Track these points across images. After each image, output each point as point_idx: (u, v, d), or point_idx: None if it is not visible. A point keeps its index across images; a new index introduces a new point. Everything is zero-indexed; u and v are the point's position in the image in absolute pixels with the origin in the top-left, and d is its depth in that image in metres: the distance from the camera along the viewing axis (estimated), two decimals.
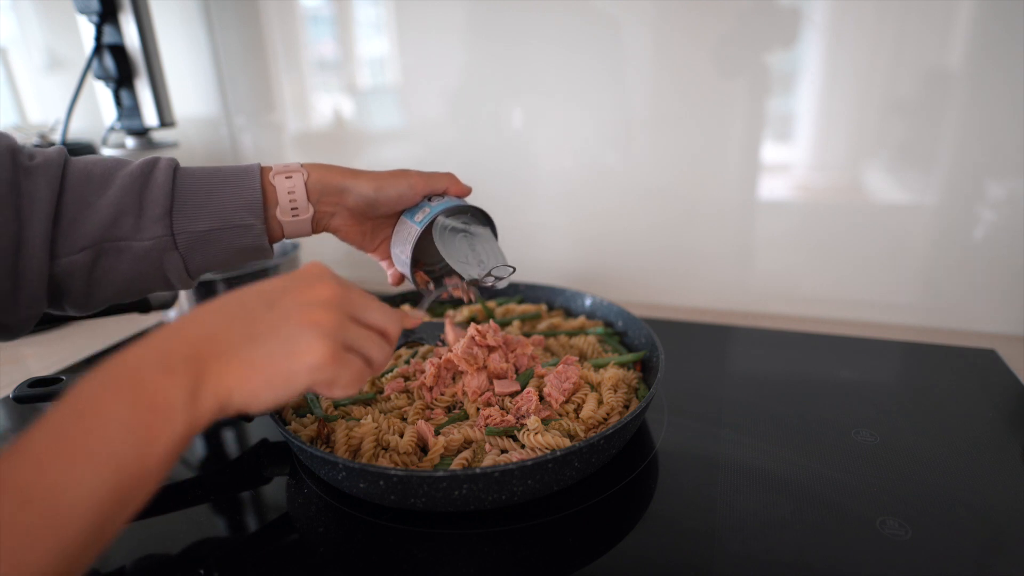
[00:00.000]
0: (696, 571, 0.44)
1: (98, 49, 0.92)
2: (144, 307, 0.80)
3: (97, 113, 1.04)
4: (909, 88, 0.76)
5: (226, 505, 0.54)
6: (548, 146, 0.95)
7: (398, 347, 0.67)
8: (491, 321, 0.62)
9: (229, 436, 0.64)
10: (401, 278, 0.59)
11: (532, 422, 0.52)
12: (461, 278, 0.55)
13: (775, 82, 0.82)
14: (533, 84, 0.92)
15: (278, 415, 0.57)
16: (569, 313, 0.79)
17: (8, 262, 0.42)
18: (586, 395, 0.57)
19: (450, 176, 0.56)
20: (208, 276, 0.82)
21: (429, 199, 0.55)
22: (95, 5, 0.89)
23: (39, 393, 0.55)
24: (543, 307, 0.78)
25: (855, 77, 0.78)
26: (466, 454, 0.50)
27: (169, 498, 0.54)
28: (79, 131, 1.21)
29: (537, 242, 1.01)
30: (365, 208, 0.52)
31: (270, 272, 0.88)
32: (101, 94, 0.97)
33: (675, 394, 0.67)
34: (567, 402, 0.57)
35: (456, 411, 0.57)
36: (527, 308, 0.77)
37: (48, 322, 0.48)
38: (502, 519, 0.49)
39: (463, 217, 0.56)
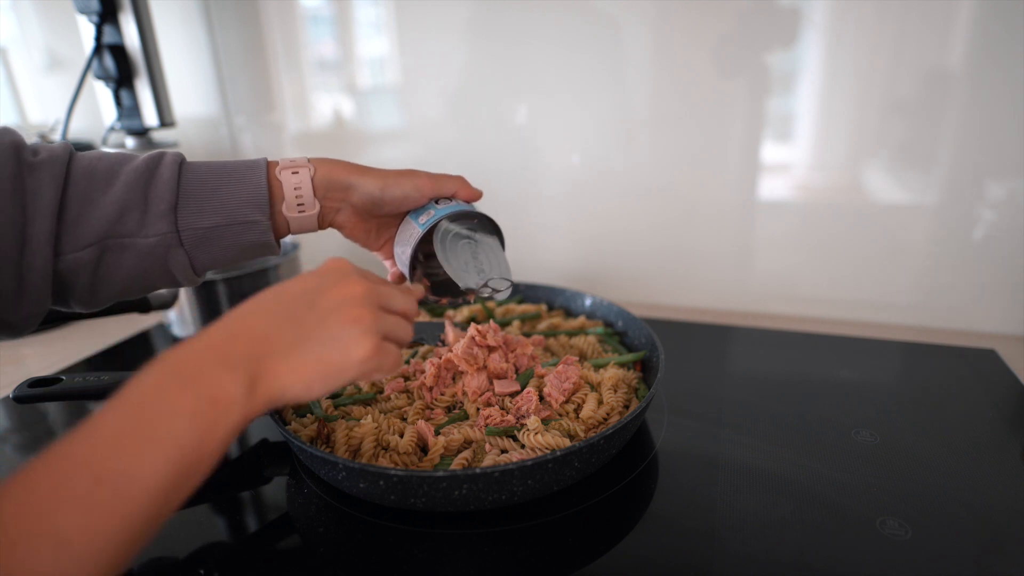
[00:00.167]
0: (696, 571, 0.44)
1: (98, 49, 0.92)
2: (144, 307, 0.80)
3: (97, 113, 1.04)
4: (909, 88, 0.76)
5: (226, 505, 0.54)
6: (548, 146, 0.95)
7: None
8: (491, 321, 0.62)
9: None
10: (401, 277, 0.58)
11: (532, 422, 0.52)
12: (459, 288, 0.54)
13: (775, 82, 0.82)
14: (533, 84, 0.92)
15: (278, 415, 0.57)
16: (569, 313, 0.79)
17: (12, 259, 0.42)
18: (586, 395, 0.57)
19: (460, 179, 0.55)
20: (208, 277, 0.82)
21: (436, 201, 0.54)
22: (95, 5, 0.89)
23: (39, 393, 0.55)
24: (543, 307, 0.78)
25: (855, 77, 0.78)
26: (466, 454, 0.50)
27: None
28: (79, 131, 1.22)
29: (537, 242, 1.01)
30: (370, 207, 0.52)
31: (270, 272, 0.88)
32: (101, 94, 0.97)
33: (675, 394, 0.67)
34: (567, 402, 0.57)
35: (456, 411, 0.57)
36: (527, 308, 0.77)
37: (50, 321, 0.48)
38: (502, 519, 0.49)
39: (469, 223, 0.55)
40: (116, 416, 0.29)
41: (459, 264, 0.53)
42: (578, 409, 0.57)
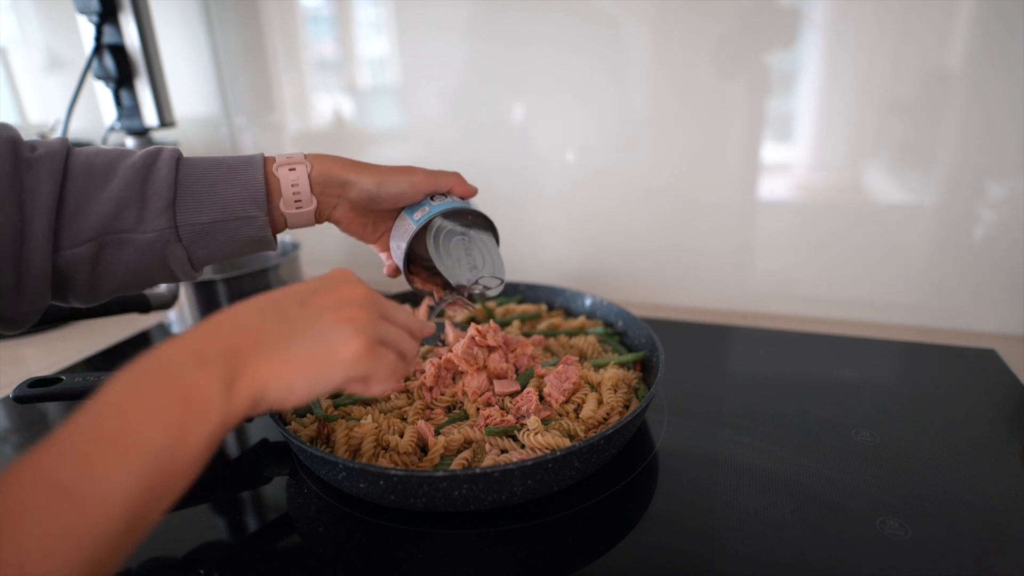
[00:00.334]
0: (696, 571, 0.44)
1: (98, 49, 0.92)
2: (144, 307, 0.80)
3: (97, 113, 1.04)
4: (909, 88, 0.76)
5: (226, 505, 0.54)
6: (548, 146, 0.95)
7: None
8: (491, 321, 0.62)
9: (229, 436, 0.64)
10: (397, 270, 0.58)
11: (532, 422, 0.52)
12: (450, 284, 0.54)
13: (775, 82, 0.82)
14: (533, 84, 0.92)
15: (278, 415, 0.57)
16: (569, 313, 0.79)
17: (11, 255, 0.42)
18: (586, 395, 0.57)
19: (456, 176, 0.55)
20: (208, 276, 0.82)
21: (432, 198, 0.54)
22: (95, 5, 0.89)
23: (39, 393, 0.55)
24: (543, 307, 0.78)
25: (855, 77, 0.78)
26: (466, 454, 0.50)
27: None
28: (79, 131, 1.22)
29: (537, 242, 1.01)
30: (367, 203, 0.52)
31: (270, 272, 0.88)
32: (101, 94, 0.97)
33: (675, 394, 0.67)
34: (567, 402, 0.57)
35: (456, 411, 0.57)
36: (527, 308, 0.77)
37: (49, 320, 0.48)
38: (502, 519, 0.49)
39: (463, 220, 0.55)
40: (82, 423, 0.27)
41: (451, 261, 0.53)
42: (578, 409, 0.57)
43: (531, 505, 0.50)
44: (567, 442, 0.50)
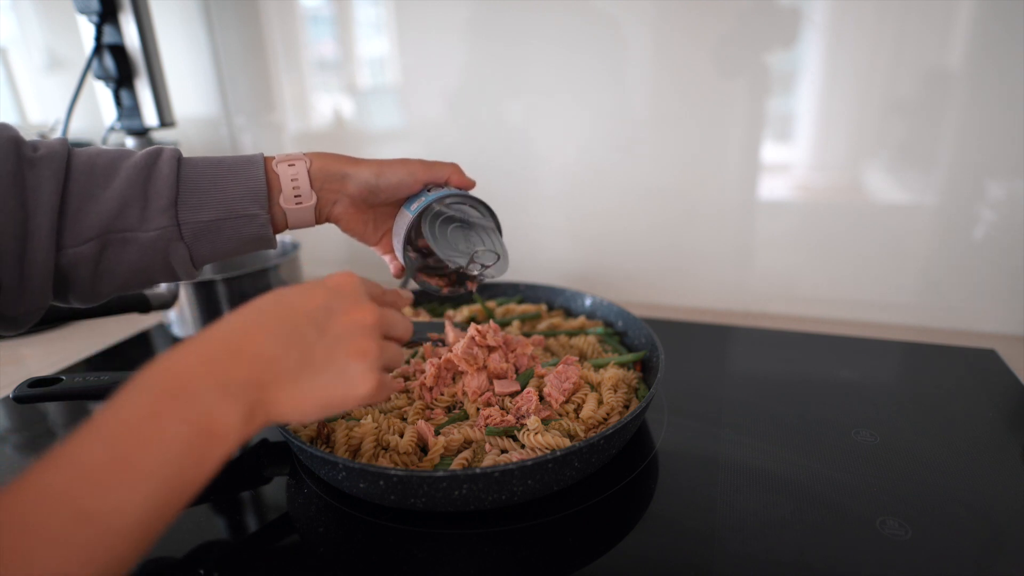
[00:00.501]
0: (696, 571, 0.44)
1: (98, 49, 0.92)
2: (144, 307, 0.80)
3: (97, 113, 1.04)
4: (909, 88, 0.76)
5: (226, 505, 0.54)
6: (548, 146, 0.95)
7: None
8: (491, 321, 0.62)
9: None
10: (402, 270, 0.58)
11: (532, 422, 0.52)
12: (448, 267, 0.54)
13: (775, 82, 0.82)
14: (533, 84, 0.92)
15: None
16: (569, 313, 0.79)
17: (14, 254, 0.42)
18: (586, 395, 0.57)
19: (453, 166, 0.55)
20: (208, 276, 0.82)
21: (428, 189, 0.54)
22: (95, 5, 0.89)
23: (39, 393, 0.55)
24: (543, 307, 0.78)
25: (855, 77, 0.78)
26: (466, 454, 0.50)
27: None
28: (79, 131, 1.22)
29: (537, 242, 1.01)
30: (366, 195, 0.52)
31: (270, 272, 0.88)
32: (101, 94, 0.97)
33: (675, 394, 0.67)
34: (567, 402, 0.57)
35: (456, 411, 0.57)
36: (527, 308, 0.77)
37: (49, 320, 0.48)
38: (502, 519, 0.49)
39: (461, 208, 0.55)
40: (100, 444, 0.26)
41: (448, 246, 0.53)
42: (578, 409, 0.57)
43: (531, 505, 0.50)
44: (567, 442, 0.50)
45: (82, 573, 0.24)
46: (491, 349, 0.59)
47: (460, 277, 0.56)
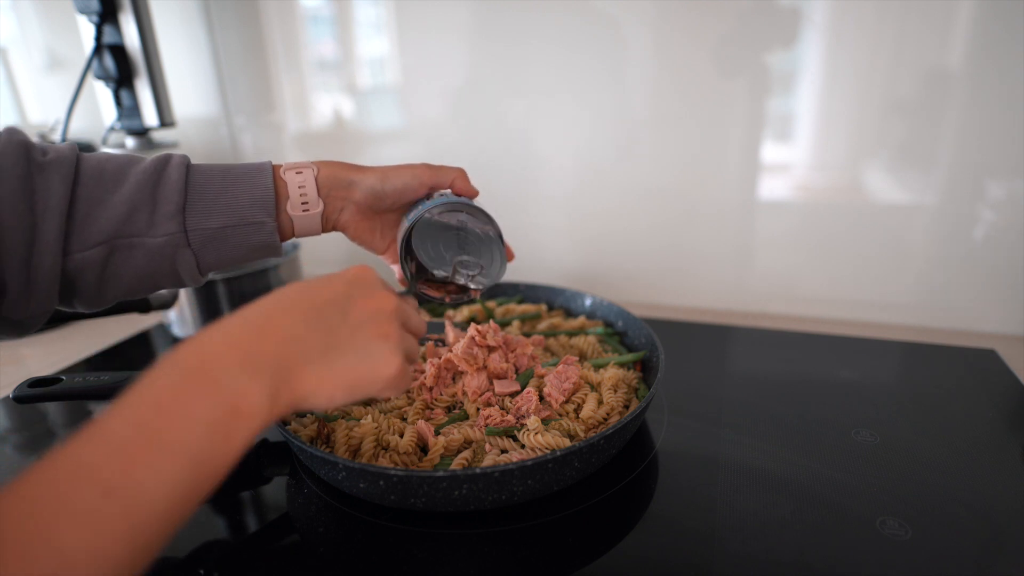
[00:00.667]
0: (696, 571, 0.44)
1: (98, 49, 0.92)
2: (144, 307, 0.80)
3: (97, 113, 1.04)
4: (909, 88, 0.76)
5: (226, 505, 0.54)
6: (548, 146, 0.95)
7: None
8: (491, 321, 0.62)
9: None
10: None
11: (532, 422, 0.52)
12: (434, 275, 0.54)
13: (775, 82, 0.82)
14: (533, 84, 0.92)
15: None
16: (569, 313, 0.79)
17: (21, 258, 0.42)
18: (586, 395, 0.57)
19: (458, 171, 0.55)
20: (209, 276, 0.82)
21: (428, 197, 0.54)
22: (95, 5, 0.89)
23: (39, 393, 0.55)
24: (543, 307, 0.78)
25: (855, 77, 0.78)
26: (466, 454, 0.50)
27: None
28: (79, 131, 1.22)
29: (537, 242, 1.01)
30: (372, 201, 0.53)
31: (270, 272, 0.88)
32: (101, 94, 0.97)
33: (675, 394, 0.67)
34: (567, 402, 0.57)
35: (456, 411, 0.57)
36: (527, 308, 0.77)
37: (52, 321, 0.48)
38: (502, 519, 0.49)
39: (459, 216, 0.55)
40: (127, 421, 0.27)
41: (438, 254, 0.53)
42: (578, 409, 0.57)
43: (531, 505, 0.50)
44: (567, 442, 0.50)
45: (108, 548, 0.24)
46: (491, 349, 0.59)
47: (461, 287, 0.57)
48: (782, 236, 0.88)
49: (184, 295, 0.85)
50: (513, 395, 0.57)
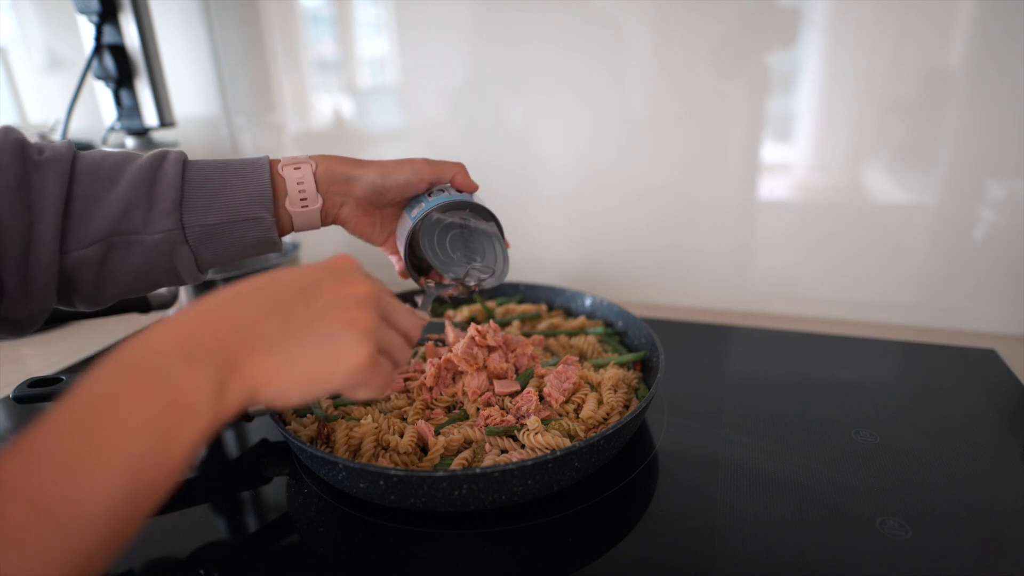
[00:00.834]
0: (696, 571, 0.44)
1: (98, 49, 0.92)
2: (144, 307, 0.80)
3: (97, 113, 1.04)
4: (909, 88, 0.76)
5: (226, 505, 0.54)
6: (548, 146, 0.95)
7: None
8: (491, 321, 0.62)
9: (229, 436, 0.64)
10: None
11: (532, 422, 0.52)
12: (442, 275, 0.54)
13: (775, 82, 0.82)
14: (533, 84, 0.92)
15: (278, 415, 0.57)
16: (569, 313, 0.79)
17: (18, 257, 0.42)
18: (586, 395, 0.57)
19: (459, 167, 0.55)
20: (208, 276, 0.82)
21: (429, 193, 0.54)
22: (95, 5, 0.89)
23: (39, 393, 0.55)
24: (543, 307, 0.78)
25: (855, 77, 0.78)
26: (466, 454, 0.50)
27: (169, 498, 0.54)
28: (79, 131, 1.21)
29: (537, 242, 1.01)
30: (373, 196, 0.52)
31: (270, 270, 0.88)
32: (101, 94, 0.97)
33: (675, 394, 0.67)
34: (567, 402, 0.57)
35: (456, 411, 0.57)
36: (527, 308, 0.77)
37: (52, 321, 0.48)
38: (502, 519, 0.49)
39: (462, 213, 0.55)
40: (58, 430, 0.24)
41: (445, 254, 0.53)
42: (578, 409, 0.57)
43: (531, 505, 0.50)
44: (567, 442, 0.50)
45: (48, 566, 0.22)
46: (491, 349, 0.59)
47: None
48: (782, 236, 0.88)
49: (184, 295, 0.85)
50: (513, 395, 0.57)
